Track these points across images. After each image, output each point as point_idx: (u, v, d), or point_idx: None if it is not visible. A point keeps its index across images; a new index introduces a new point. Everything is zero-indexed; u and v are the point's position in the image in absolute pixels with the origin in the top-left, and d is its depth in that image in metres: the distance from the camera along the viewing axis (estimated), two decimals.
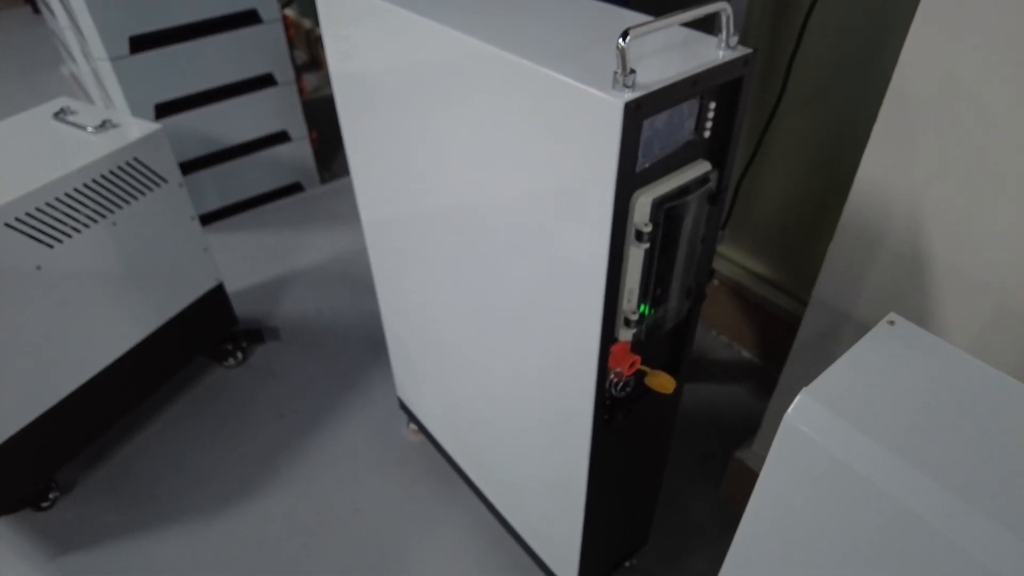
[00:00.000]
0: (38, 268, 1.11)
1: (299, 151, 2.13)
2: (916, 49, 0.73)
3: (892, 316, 0.62)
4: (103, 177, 1.18)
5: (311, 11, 3.04)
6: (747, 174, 1.37)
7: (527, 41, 0.63)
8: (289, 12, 3.17)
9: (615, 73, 0.52)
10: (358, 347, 1.64)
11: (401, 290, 1.11)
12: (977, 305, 0.78)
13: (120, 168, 1.21)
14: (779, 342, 1.48)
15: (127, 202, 1.23)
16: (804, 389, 0.56)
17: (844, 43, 1.15)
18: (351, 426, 1.45)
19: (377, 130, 0.91)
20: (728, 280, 1.53)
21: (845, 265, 0.90)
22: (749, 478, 1.20)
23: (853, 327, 0.92)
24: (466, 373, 1.02)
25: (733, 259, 1.56)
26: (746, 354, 1.57)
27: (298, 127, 2.08)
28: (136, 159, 1.23)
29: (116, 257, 1.24)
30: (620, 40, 0.51)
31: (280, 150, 2.08)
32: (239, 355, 1.58)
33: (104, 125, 1.24)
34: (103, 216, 1.20)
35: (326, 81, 2.88)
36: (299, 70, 2.02)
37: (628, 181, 0.57)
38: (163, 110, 1.82)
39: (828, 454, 0.54)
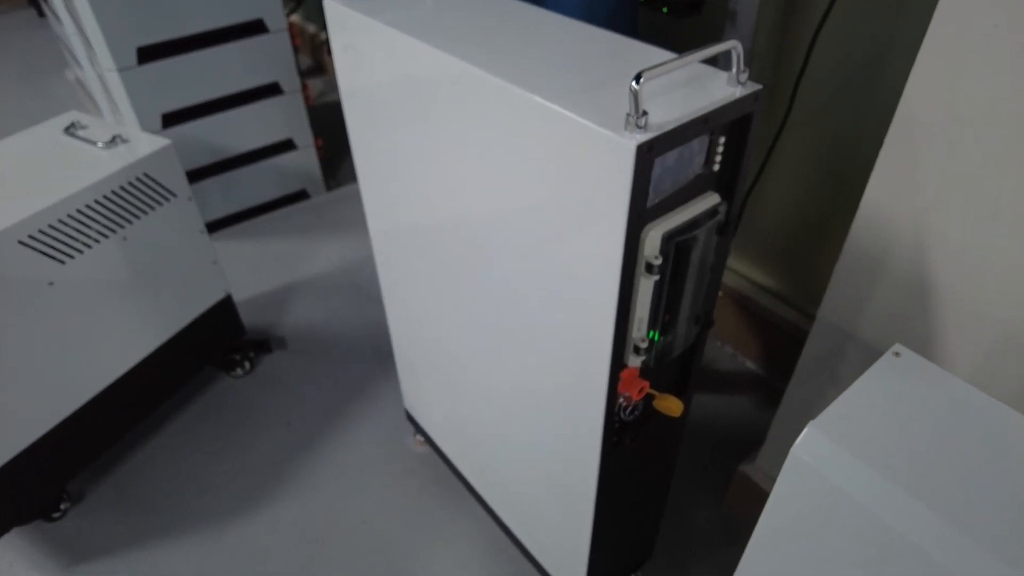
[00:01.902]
0: (51, 284, 1.13)
1: (305, 159, 2.14)
2: (920, 81, 0.74)
3: (898, 347, 0.63)
4: (114, 193, 1.19)
5: (315, 16, 3.05)
6: (753, 188, 1.38)
7: (539, 73, 0.64)
8: (294, 18, 3.18)
9: (628, 115, 0.53)
10: (364, 356, 1.65)
11: (409, 305, 1.12)
12: (979, 332, 0.79)
13: (131, 184, 1.22)
14: (782, 353, 1.49)
15: (137, 217, 1.24)
16: (811, 423, 0.57)
17: (849, 61, 1.16)
18: (358, 436, 1.47)
19: (387, 144, 0.92)
20: (732, 291, 1.54)
21: (850, 288, 0.91)
22: (753, 491, 1.22)
23: (858, 348, 0.93)
24: (473, 389, 1.03)
25: (737, 270, 1.57)
26: (750, 364, 1.58)
27: (304, 135, 2.09)
28: (146, 175, 1.24)
29: (127, 272, 1.25)
30: (633, 83, 0.52)
31: (286, 158, 2.10)
32: (247, 365, 1.59)
33: (114, 140, 1.25)
34: (114, 231, 1.21)
35: (331, 86, 2.89)
36: (303, 75, 2.02)
37: (639, 216, 0.58)
38: (170, 119, 1.84)
39: (834, 487, 0.55)
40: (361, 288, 1.86)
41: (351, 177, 2.32)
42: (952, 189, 0.75)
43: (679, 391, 0.84)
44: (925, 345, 0.85)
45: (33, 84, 3.02)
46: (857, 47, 1.14)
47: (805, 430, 0.57)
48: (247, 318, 1.76)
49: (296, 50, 2.00)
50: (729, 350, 1.61)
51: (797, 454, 0.57)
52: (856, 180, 1.25)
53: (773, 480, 1.20)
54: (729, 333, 1.60)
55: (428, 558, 1.25)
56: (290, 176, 2.15)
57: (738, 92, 0.60)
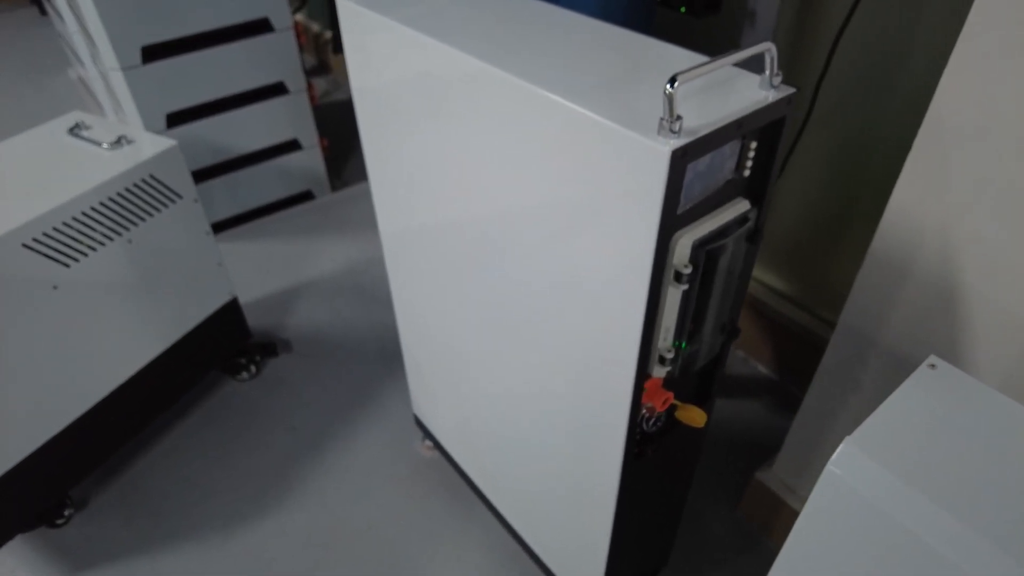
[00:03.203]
0: (55, 288, 1.11)
1: (310, 159, 2.12)
2: (953, 81, 0.71)
3: (933, 359, 0.61)
4: (119, 195, 1.17)
5: (319, 15, 3.03)
6: None
7: (560, 73, 0.62)
8: (298, 17, 3.16)
9: (661, 119, 0.51)
10: (371, 359, 1.63)
11: (420, 308, 1.10)
12: (1010, 338, 0.77)
13: (136, 185, 1.20)
14: (796, 358, 1.47)
15: (142, 219, 1.22)
16: (847, 438, 0.55)
17: (867, 62, 1.14)
18: (365, 440, 1.45)
19: (399, 144, 0.90)
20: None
21: (874, 292, 0.88)
22: (768, 498, 1.20)
23: (881, 355, 0.91)
24: (487, 396, 1.01)
25: None
26: (762, 369, 1.56)
27: (309, 135, 2.07)
28: (152, 176, 1.22)
29: (132, 274, 1.23)
30: (668, 86, 0.50)
31: (291, 158, 2.07)
32: (252, 369, 1.57)
33: (119, 141, 1.23)
34: (119, 234, 1.19)
35: (335, 85, 2.87)
36: (308, 75, 2.00)
37: (669, 224, 0.56)
38: (174, 119, 1.81)
39: (871, 505, 0.53)
40: (366, 290, 1.84)
41: (357, 177, 2.30)
42: (984, 191, 0.73)
43: (701, 401, 0.82)
44: (953, 352, 0.83)
45: (35, 83, 3.00)
46: (875, 49, 1.12)
47: (841, 446, 0.55)
48: (252, 320, 1.74)
49: (301, 49, 1.98)
50: (741, 354, 1.59)
51: (833, 471, 0.55)
52: (874, 184, 1.23)
53: (789, 487, 1.18)
54: (742, 337, 1.58)
55: (436, 564, 1.23)
56: (295, 176, 2.12)
57: (771, 96, 0.58)
